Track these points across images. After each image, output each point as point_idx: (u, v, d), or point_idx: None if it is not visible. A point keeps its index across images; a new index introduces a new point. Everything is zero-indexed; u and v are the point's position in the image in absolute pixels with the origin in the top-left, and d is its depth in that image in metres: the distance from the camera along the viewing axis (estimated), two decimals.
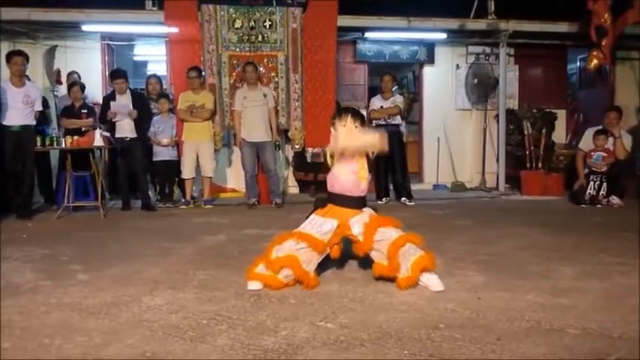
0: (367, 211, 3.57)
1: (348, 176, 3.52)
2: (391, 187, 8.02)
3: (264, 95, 7.62)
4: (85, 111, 7.54)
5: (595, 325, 2.72)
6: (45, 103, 7.41)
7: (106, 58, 9.15)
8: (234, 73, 8.30)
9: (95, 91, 8.65)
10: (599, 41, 8.31)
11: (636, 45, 9.30)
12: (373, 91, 8.98)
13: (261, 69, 8.13)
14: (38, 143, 6.76)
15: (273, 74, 8.38)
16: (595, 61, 8.47)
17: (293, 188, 9.19)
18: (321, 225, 3.49)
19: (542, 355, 2.36)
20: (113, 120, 7.31)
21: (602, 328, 2.68)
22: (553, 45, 9.64)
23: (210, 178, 7.81)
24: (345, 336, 2.59)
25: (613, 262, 4.12)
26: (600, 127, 7.82)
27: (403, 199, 7.81)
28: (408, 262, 3.35)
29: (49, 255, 4.54)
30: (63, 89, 8.41)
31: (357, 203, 3.56)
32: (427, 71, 10.00)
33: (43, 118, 7.19)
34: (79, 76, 8.16)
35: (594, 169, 7.65)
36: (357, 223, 3.49)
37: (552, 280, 3.65)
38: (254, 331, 2.68)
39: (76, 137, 7.01)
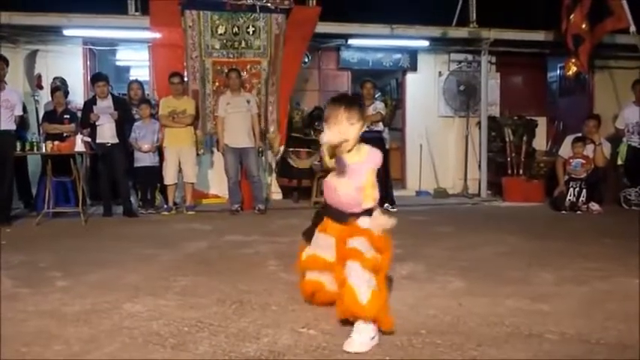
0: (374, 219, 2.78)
1: (349, 192, 2.77)
2: None
3: (248, 101, 7.62)
4: (68, 116, 7.49)
5: (573, 330, 2.75)
6: (24, 108, 7.33)
7: (88, 62, 9.08)
8: (217, 80, 8.29)
9: (77, 96, 8.58)
10: (576, 49, 8.45)
11: (614, 54, 9.45)
12: None
13: (244, 75, 8.13)
14: (18, 148, 6.69)
15: (256, 80, 8.39)
16: (573, 69, 8.62)
17: (276, 194, 9.18)
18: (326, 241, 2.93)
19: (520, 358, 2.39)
20: (96, 123, 7.25)
21: (581, 333, 2.71)
22: (533, 53, 9.78)
23: (193, 184, 7.77)
24: (327, 342, 2.59)
25: (592, 267, 4.16)
26: (579, 135, 7.93)
27: (386, 205, 7.83)
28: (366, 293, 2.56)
29: (27, 261, 4.48)
30: (44, 94, 8.33)
31: (356, 219, 2.80)
32: (410, 78, 10.08)
33: (21, 123, 7.11)
34: (63, 82, 8.08)
35: (574, 176, 7.75)
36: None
37: (532, 285, 3.69)
38: (235, 338, 2.67)
39: (57, 142, 6.94)
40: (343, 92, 4.01)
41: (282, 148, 8.50)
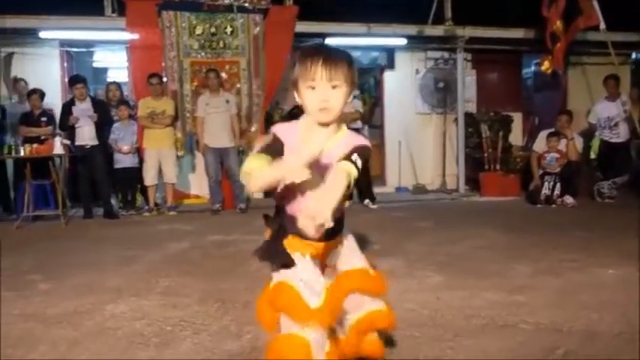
0: (348, 242, 2.03)
1: None
2: (354, 190, 8.14)
3: (227, 101, 7.65)
4: (45, 119, 7.43)
5: (547, 320, 2.85)
6: (2, 112, 7.29)
7: (65, 64, 9.01)
8: (195, 80, 8.30)
9: (54, 99, 8.50)
10: (552, 47, 8.64)
11: (587, 50, 9.64)
12: None
13: (223, 75, 8.15)
14: None
15: (235, 80, 8.41)
16: (548, 65, 8.82)
17: (258, 193, 9.20)
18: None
19: (496, 350, 2.48)
20: (75, 125, 7.22)
21: (554, 323, 2.81)
22: (508, 50, 9.93)
23: (173, 184, 7.78)
24: None
25: (566, 259, 4.27)
26: (553, 130, 8.09)
27: (366, 201, 7.92)
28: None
29: (9, 265, 4.47)
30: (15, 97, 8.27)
31: (332, 233, 1.87)
32: (388, 76, 10.17)
33: (1, 126, 7.07)
34: (26, 83, 8.02)
35: (548, 170, 7.91)
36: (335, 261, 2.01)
37: (508, 278, 3.79)
38: (218, 336, 2.72)
39: (35, 145, 6.90)
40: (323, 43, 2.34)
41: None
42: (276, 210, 1.99)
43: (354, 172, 1.71)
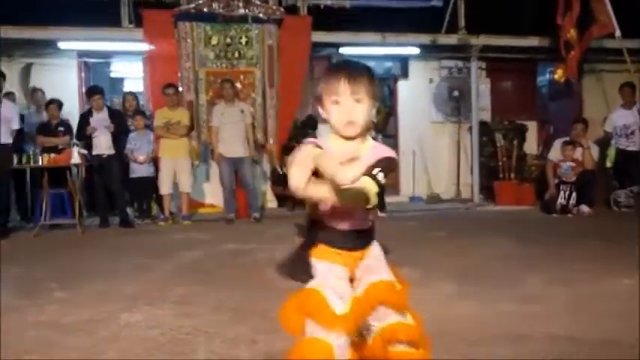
0: (375, 252, 1.99)
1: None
2: None
3: (242, 111, 7.70)
4: (62, 129, 7.55)
5: (560, 330, 2.84)
6: (23, 120, 7.41)
7: (83, 75, 9.16)
8: (211, 90, 8.38)
9: (72, 108, 8.62)
10: (566, 55, 8.61)
11: (602, 58, 9.59)
12: None
13: (238, 85, 8.22)
14: (15, 161, 6.75)
15: (249, 90, 8.49)
16: (561, 74, 8.79)
17: (271, 203, 9.25)
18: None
19: (507, 357, 2.47)
20: (92, 135, 7.32)
21: (567, 332, 2.80)
22: (523, 59, 9.90)
23: (188, 193, 7.84)
24: None
25: (581, 269, 4.24)
26: (568, 139, 8.04)
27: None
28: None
29: (25, 273, 4.54)
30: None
31: (365, 240, 1.96)
32: (402, 85, 10.19)
33: (21, 136, 7.18)
34: (44, 93, 8.14)
35: (564, 179, 7.85)
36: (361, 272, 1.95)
37: (522, 288, 3.76)
38: (231, 344, 2.74)
39: (53, 155, 7.01)
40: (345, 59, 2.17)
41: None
42: (309, 220, 2.01)
43: (374, 189, 1.72)
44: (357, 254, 1.93)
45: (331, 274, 1.88)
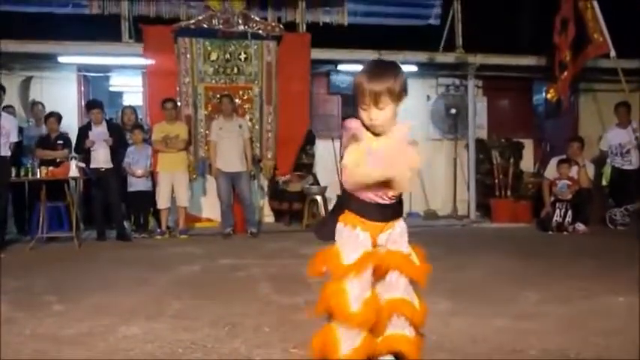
0: (400, 227, 2.29)
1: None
2: None
3: (240, 126, 7.75)
4: (61, 142, 7.57)
5: (554, 346, 2.87)
6: (22, 133, 7.44)
7: (82, 88, 9.20)
8: (209, 105, 8.45)
9: (71, 122, 8.66)
10: (559, 75, 8.73)
11: (598, 77, 9.69)
12: None
13: (236, 101, 8.28)
14: (14, 174, 6.77)
15: (248, 106, 8.56)
16: (554, 94, 8.90)
17: (268, 217, 9.27)
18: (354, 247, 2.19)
19: None
20: (91, 148, 7.36)
21: (561, 349, 2.83)
22: (519, 77, 10.01)
23: (185, 208, 7.86)
24: None
25: (576, 287, 4.27)
26: (564, 157, 8.11)
27: None
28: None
29: (22, 286, 4.54)
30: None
31: (389, 214, 2.25)
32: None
33: (19, 149, 7.21)
34: (43, 107, 8.18)
35: (560, 197, 7.90)
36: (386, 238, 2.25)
37: (517, 305, 3.79)
38: (228, 358, 2.75)
39: (51, 168, 7.03)
40: (373, 60, 2.21)
41: (287, 176, 8.70)
42: (342, 195, 2.34)
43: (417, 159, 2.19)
44: (380, 225, 2.21)
45: (352, 239, 2.19)
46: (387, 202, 2.20)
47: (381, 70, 2.18)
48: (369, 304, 2.15)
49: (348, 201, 2.23)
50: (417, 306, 2.27)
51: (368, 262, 2.16)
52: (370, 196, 2.18)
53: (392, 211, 2.24)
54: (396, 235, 2.24)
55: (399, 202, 2.25)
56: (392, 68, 2.20)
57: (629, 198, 8.12)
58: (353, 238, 2.18)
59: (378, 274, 2.21)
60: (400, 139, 2.20)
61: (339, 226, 2.23)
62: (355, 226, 2.19)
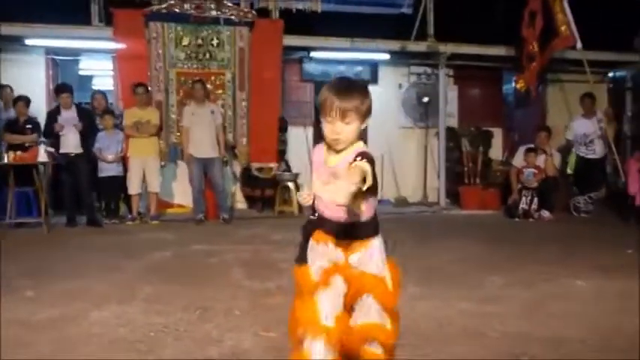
0: (373, 248, 2.19)
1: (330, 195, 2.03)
2: None
3: (212, 112, 7.73)
4: (30, 126, 7.45)
5: (515, 328, 2.99)
6: None
7: (51, 72, 9.04)
8: (181, 90, 8.40)
9: (39, 106, 8.52)
10: (527, 66, 8.91)
11: (565, 68, 9.90)
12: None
13: (208, 86, 8.25)
14: None
15: (220, 92, 8.54)
16: (522, 84, 9.09)
17: (241, 204, 9.28)
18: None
19: (464, 355, 2.62)
20: (60, 133, 7.26)
21: (521, 331, 2.95)
22: (490, 67, 10.17)
23: (157, 193, 7.83)
24: (286, 343, 2.75)
25: (539, 271, 4.42)
26: (531, 146, 8.29)
27: None
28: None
29: None
30: None
31: (355, 232, 2.17)
32: (371, 90, 10.19)
33: None
34: (12, 90, 8.03)
35: (526, 185, 8.09)
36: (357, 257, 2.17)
37: (483, 289, 3.92)
38: (200, 342, 2.81)
39: (19, 152, 6.93)
40: (341, 77, 2.75)
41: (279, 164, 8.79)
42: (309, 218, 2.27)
43: (366, 165, 1.93)
44: (347, 242, 2.15)
45: (320, 251, 2.14)
46: (349, 221, 2.11)
47: (350, 89, 2.12)
48: (341, 322, 2.09)
49: (315, 220, 2.21)
50: (389, 328, 2.19)
51: (334, 272, 2.11)
52: (328, 213, 2.13)
53: (359, 230, 2.15)
54: (367, 256, 2.16)
55: (370, 220, 2.17)
56: (361, 89, 2.16)
57: (592, 186, 8.36)
58: (320, 250, 2.15)
59: (352, 296, 2.15)
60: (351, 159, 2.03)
61: (311, 242, 2.19)
62: (319, 241, 2.15)
